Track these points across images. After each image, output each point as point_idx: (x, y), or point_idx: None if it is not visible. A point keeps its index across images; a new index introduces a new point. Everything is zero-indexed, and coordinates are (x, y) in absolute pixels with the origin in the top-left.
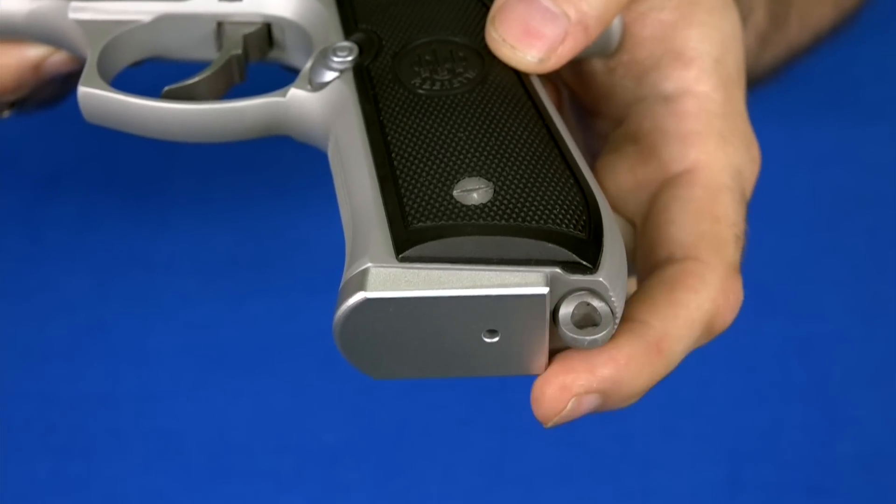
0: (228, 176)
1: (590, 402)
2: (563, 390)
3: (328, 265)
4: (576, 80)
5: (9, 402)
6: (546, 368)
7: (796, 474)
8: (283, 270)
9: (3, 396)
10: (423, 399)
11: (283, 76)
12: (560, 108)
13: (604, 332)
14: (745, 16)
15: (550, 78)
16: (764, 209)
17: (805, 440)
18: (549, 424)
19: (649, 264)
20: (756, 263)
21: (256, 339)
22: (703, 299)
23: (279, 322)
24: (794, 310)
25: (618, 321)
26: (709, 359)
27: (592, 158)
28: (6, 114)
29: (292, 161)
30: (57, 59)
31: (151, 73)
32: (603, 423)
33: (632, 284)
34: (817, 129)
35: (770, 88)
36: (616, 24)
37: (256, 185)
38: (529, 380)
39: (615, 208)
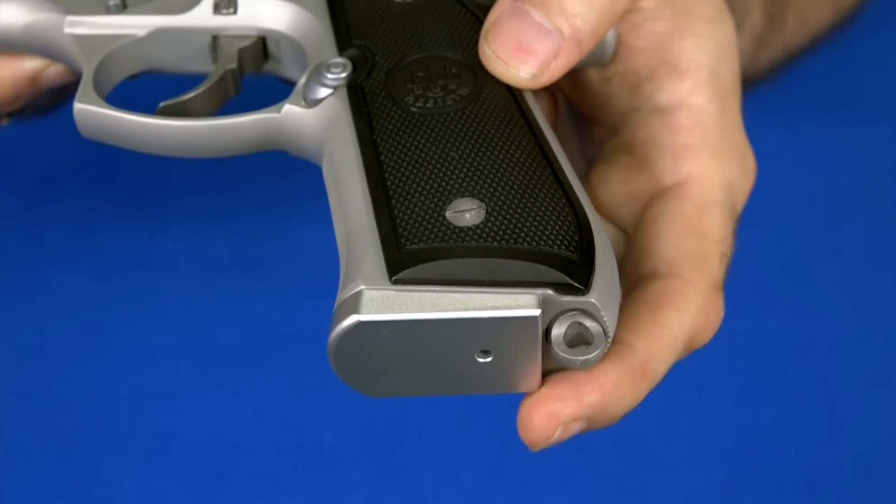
0: (228, 177)
1: (576, 427)
2: (551, 418)
3: (327, 266)
4: (571, 88)
5: (9, 402)
6: (539, 388)
7: (796, 474)
8: (282, 271)
9: (3, 396)
10: (422, 399)
11: (279, 89)
12: (557, 116)
13: (596, 352)
14: (741, 18)
15: (546, 86)
16: (764, 209)
17: (805, 440)
18: (537, 450)
19: (634, 276)
20: (756, 264)
21: (256, 339)
22: (685, 318)
23: (279, 322)
24: (794, 310)
25: (610, 341)
26: (709, 359)
27: (589, 166)
28: (4, 122)
29: (291, 163)
30: (53, 72)
31: (147, 85)
32: None
33: None
34: (816, 129)
35: (769, 88)
36: (610, 35)
37: (255, 187)
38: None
39: (607, 218)
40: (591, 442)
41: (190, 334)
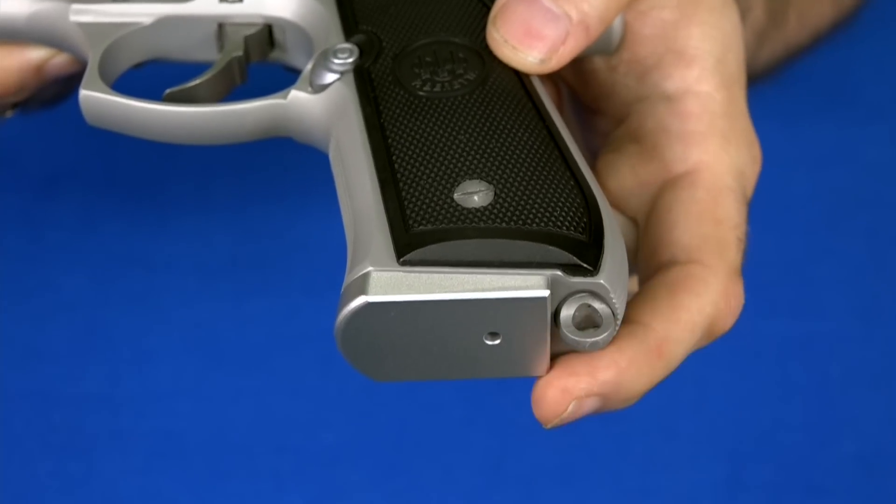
0: (228, 176)
1: (590, 405)
2: (565, 393)
3: (328, 265)
4: (577, 77)
5: (9, 402)
6: (548, 370)
7: (796, 474)
8: (282, 270)
9: (3, 396)
10: (423, 399)
11: (285, 76)
12: (560, 107)
13: (605, 334)
14: (743, 13)
15: (550, 76)
16: (764, 209)
17: (805, 440)
18: (550, 426)
19: (652, 266)
20: (756, 263)
21: (256, 339)
22: (704, 303)
23: (279, 322)
24: (794, 310)
25: (619, 323)
26: (709, 359)
27: (592, 157)
28: (10, 114)
29: (292, 161)
30: (59, 61)
31: (153, 74)
32: (603, 424)
33: (633, 283)
34: (817, 129)
35: (770, 88)
36: (617, 22)
37: (256, 185)
38: (530, 380)
39: (617, 207)
40: (591, 442)
41: (190, 334)
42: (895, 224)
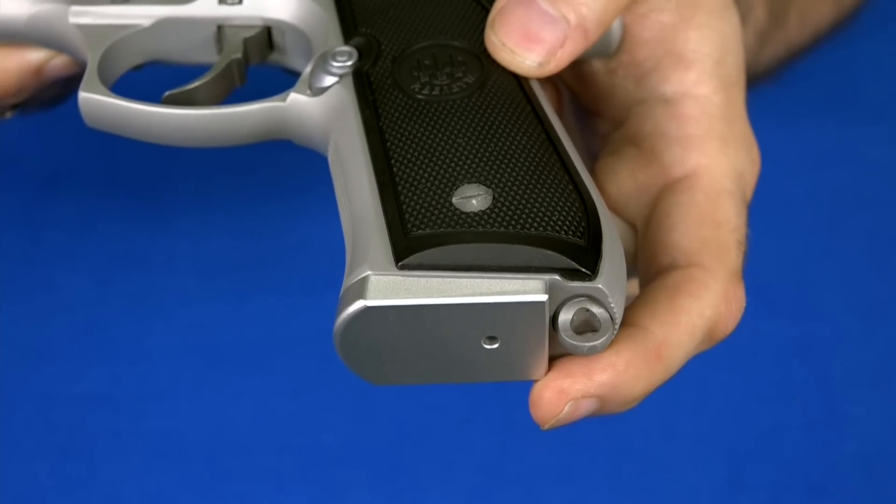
0: (228, 176)
1: (587, 407)
2: (561, 394)
3: (328, 265)
4: (576, 80)
5: (9, 402)
6: (546, 374)
7: (796, 474)
8: (282, 270)
9: (3, 396)
10: (423, 399)
11: (285, 78)
12: (560, 109)
13: (603, 339)
14: (744, 13)
15: (550, 78)
16: (764, 209)
17: (805, 440)
18: (546, 427)
19: (652, 270)
20: (756, 264)
21: (256, 339)
22: (704, 306)
23: (279, 322)
24: (794, 310)
25: (617, 327)
26: (709, 359)
27: (592, 159)
28: (9, 115)
29: (292, 162)
30: (58, 63)
31: (152, 76)
32: (603, 424)
33: (633, 287)
34: (817, 129)
35: (770, 88)
36: (616, 25)
37: (256, 186)
38: (530, 381)
39: (616, 212)
40: (591, 442)
41: (190, 334)
42: (895, 224)
